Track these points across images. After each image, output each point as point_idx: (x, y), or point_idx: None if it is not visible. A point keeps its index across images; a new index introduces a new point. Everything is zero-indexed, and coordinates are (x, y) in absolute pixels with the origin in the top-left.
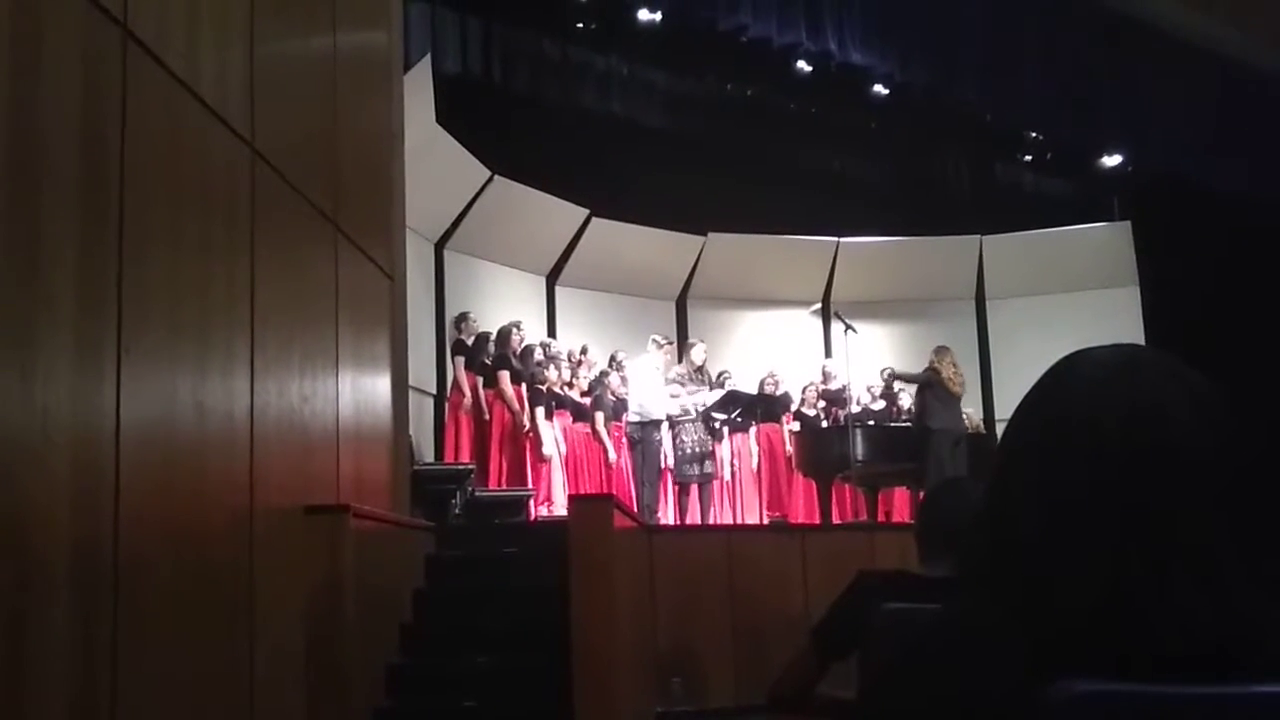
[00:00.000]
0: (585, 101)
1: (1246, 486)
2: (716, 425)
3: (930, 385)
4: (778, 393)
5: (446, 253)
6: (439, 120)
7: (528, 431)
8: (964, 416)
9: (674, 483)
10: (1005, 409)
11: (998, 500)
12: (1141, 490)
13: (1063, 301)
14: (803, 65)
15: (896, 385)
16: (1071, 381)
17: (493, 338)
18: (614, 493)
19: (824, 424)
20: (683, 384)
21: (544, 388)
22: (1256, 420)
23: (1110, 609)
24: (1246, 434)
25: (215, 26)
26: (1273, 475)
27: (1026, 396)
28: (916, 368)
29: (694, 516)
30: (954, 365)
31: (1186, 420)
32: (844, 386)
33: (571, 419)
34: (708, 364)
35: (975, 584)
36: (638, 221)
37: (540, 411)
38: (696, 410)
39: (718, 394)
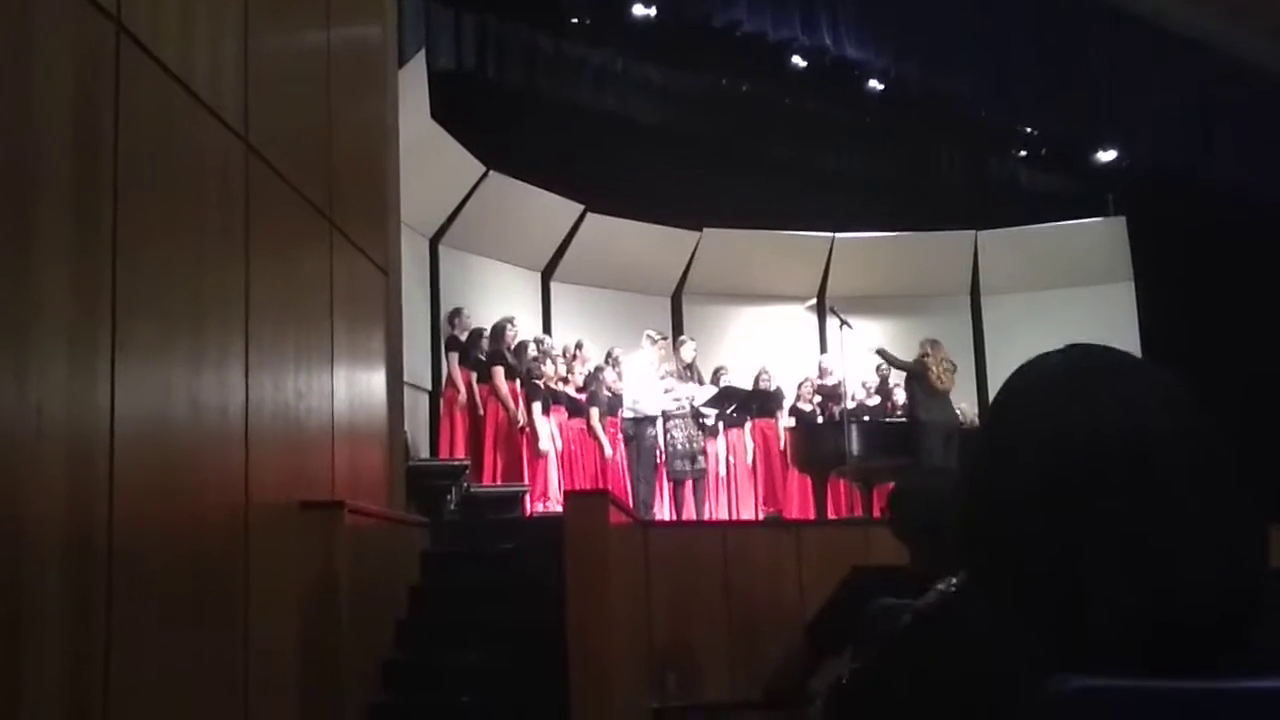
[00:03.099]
0: (580, 97)
1: (1181, 489)
2: (709, 422)
3: (918, 377)
4: (771, 388)
5: (441, 248)
6: (434, 115)
7: (523, 427)
8: (958, 411)
9: (667, 479)
10: None
11: (985, 501)
12: (1075, 496)
13: (1058, 297)
14: (797, 60)
15: (884, 369)
16: (1012, 396)
17: (486, 333)
18: (609, 488)
19: (819, 419)
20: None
21: (540, 383)
22: (1253, 418)
23: (1070, 607)
24: (1213, 435)
25: (209, 21)
26: (1272, 472)
27: (993, 400)
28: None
29: (689, 512)
30: (945, 360)
31: (1113, 433)
32: (839, 382)
33: (567, 415)
34: (701, 360)
35: (966, 581)
36: (633, 217)
37: (537, 407)
38: (690, 406)
39: (710, 390)
